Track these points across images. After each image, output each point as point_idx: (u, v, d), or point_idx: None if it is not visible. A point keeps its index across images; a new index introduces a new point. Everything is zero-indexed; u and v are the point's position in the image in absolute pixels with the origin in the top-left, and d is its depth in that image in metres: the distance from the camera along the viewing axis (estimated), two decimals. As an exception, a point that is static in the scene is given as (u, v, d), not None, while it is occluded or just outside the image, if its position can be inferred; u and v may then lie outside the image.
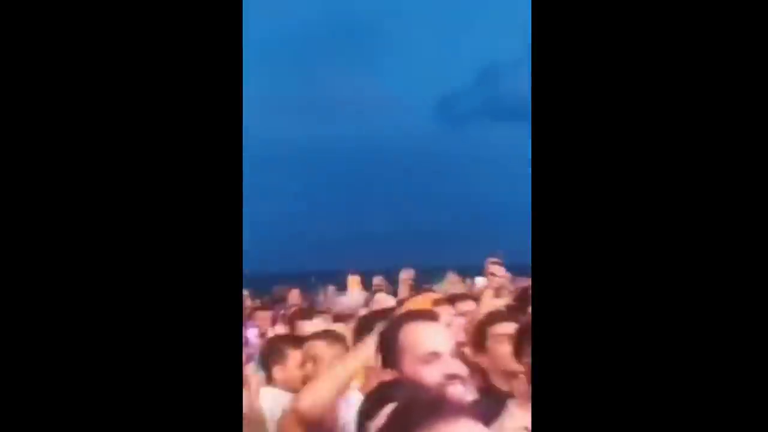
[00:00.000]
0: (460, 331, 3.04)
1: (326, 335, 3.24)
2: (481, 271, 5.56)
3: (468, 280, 6.99)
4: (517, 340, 2.47)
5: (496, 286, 3.91)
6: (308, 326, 4.15)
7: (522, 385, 2.29)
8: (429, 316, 2.16)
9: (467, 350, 2.82)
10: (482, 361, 2.73)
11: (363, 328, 2.50)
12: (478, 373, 2.63)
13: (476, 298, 4.03)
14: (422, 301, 3.12)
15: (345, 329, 3.44)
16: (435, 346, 1.90)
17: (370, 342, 2.08)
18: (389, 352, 1.94)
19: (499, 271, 3.92)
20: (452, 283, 6.73)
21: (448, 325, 2.95)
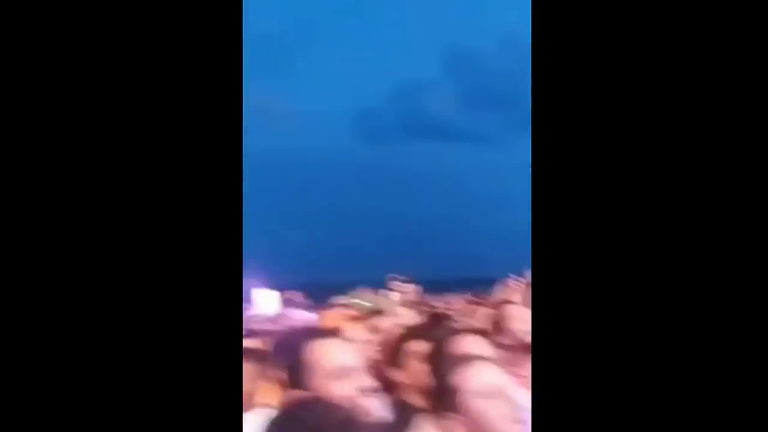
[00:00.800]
0: (375, 346, 3.03)
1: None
2: (394, 288, 5.58)
3: (382, 296, 7.03)
4: (433, 356, 2.47)
5: (410, 302, 3.92)
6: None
7: (436, 402, 2.29)
8: (334, 332, 2.14)
9: (382, 366, 2.82)
10: (397, 376, 2.73)
11: (279, 344, 2.47)
12: (393, 388, 2.63)
13: (391, 314, 4.04)
14: (337, 317, 3.10)
15: (261, 345, 3.37)
16: (344, 361, 1.89)
17: (282, 359, 2.05)
18: (297, 370, 1.92)
19: (407, 287, 3.94)
20: (366, 299, 6.74)
21: (365, 341, 2.95)
